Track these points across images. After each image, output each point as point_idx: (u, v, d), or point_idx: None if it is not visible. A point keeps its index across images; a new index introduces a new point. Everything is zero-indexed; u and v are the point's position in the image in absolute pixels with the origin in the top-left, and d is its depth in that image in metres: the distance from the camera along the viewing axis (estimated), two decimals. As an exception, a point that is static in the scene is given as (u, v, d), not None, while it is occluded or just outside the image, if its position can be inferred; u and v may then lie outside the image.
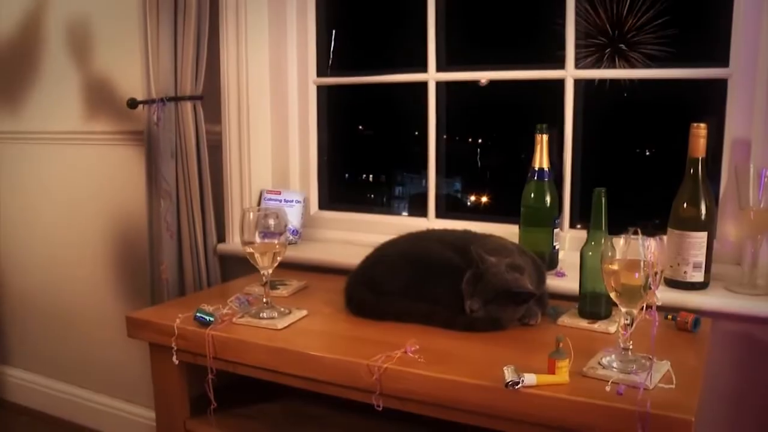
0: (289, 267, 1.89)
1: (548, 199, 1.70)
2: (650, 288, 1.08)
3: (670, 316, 1.42)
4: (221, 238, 2.19)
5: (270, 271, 1.50)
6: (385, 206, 2.35)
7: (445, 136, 2.09)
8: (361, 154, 2.44)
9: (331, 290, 1.70)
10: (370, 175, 2.44)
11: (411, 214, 2.23)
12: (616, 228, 1.69)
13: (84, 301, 2.76)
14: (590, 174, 1.86)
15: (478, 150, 2.19)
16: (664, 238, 1.15)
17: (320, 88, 2.21)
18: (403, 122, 2.24)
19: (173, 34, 2.04)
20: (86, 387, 2.84)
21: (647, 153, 1.92)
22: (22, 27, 2.62)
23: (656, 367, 1.14)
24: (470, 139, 2.19)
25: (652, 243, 1.10)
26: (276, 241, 1.49)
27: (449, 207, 2.12)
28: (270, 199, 2.13)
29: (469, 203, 2.20)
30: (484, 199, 2.18)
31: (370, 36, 2.30)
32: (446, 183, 2.14)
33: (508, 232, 1.77)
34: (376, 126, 2.40)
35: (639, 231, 1.13)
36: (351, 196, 2.36)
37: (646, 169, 1.89)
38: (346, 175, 2.42)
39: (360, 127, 2.43)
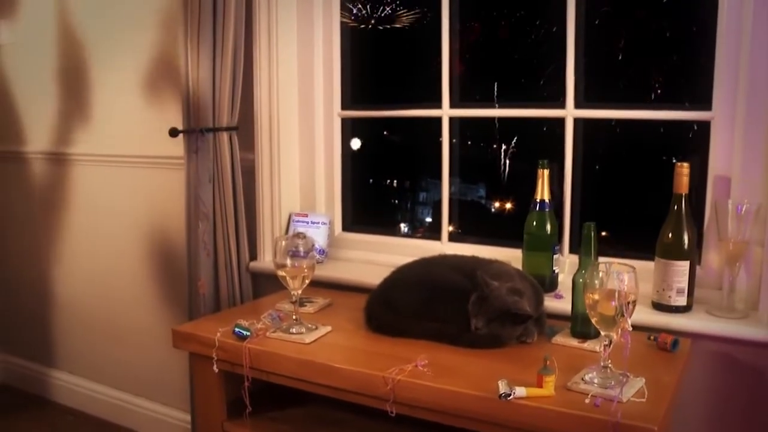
0: (315, 284, 2.02)
1: (548, 227, 1.86)
2: (623, 315, 1.26)
3: (652, 337, 1.59)
4: (253, 256, 2.36)
5: (299, 291, 1.69)
6: (408, 211, 2.49)
7: (469, 142, 2.26)
8: (385, 160, 2.56)
9: (352, 307, 1.86)
10: (395, 181, 2.56)
11: (433, 218, 2.40)
12: (611, 252, 1.88)
13: (125, 311, 2.89)
14: (589, 204, 2.03)
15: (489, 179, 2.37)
16: (637, 269, 1.32)
17: (345, 97, 2.38)
18: (425, 130, 2.34)
19: (212, 72, 2.20)
20: (126, 390, 2.97)
21: (643, 184, 2.08)
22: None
23: (632, 383, 1.32)
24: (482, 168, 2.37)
25: (625, 276, 1.28)
26: (304, 265, 1.68)
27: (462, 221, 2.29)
28: (298, 221, 2.33)
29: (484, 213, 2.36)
30: (497, 207, 2.33)
31: (391, 72, 2.48)
32: (466, 188, 2.31)
33: (513, 256, 1.95)
34: (400, 132, 2.53)
35: (615, 264, 1.32)
36: (375, 202, 2.51)
37: (639, 200, 2.05)
38: (371, 180, 2.55)
39: (384, 132, 2.55)
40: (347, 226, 2.44)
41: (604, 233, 2.01)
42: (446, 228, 2.22)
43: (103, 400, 3.06)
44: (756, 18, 1.63)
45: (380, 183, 2.59)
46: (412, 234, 2.46)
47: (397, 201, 2.55)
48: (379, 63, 2.48)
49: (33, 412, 3.17)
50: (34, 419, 3.09)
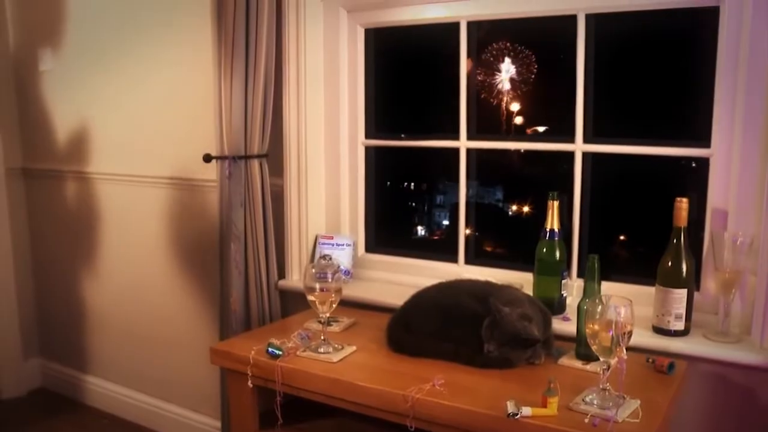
0: (340, 303, 2.05)
1: (557, 254, 1.99)
2: (620, 345, 1.40)
3: (650, 360, 1.73)
4: (282, 275, 2.52)
5: (327, 314, 1.84)
6: (426, 214, 2.62)
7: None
8: (403, 162, 2.65)
9: (375, 327, 2.00)
10: (412, 184, 2.67)
11: (449, 221, 2.53)
12: (616, 278, 2.01)
13: (157, 322, 3.05)
14: (596, 232, 2.16)
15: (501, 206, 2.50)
16: (632, 302, 1.46)
17: (369, 121, 2.53)
18: (442, 131, 2.42)
19: (244, 104, 2.36)
20: (157, 396, 3.13)
21: (647, 215, 2.20)
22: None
23: (628, 405, 1.46)
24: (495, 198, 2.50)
25: (622, 309, 1.42)
26: (332, 288, 1.82)
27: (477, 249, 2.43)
28: (324, 243, 2.48)
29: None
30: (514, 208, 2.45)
31: (412, 103, 2.61)
32: (484, 191, 2.44)
33: (525, 279, 2.09)
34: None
35: (614, 297, 1.45)
36: (393, 206, 2.65)
37: (644, 229, 2.19)
38: (388, 183, 2.64)
39: (402, 134, 2.58)
40: (370, 248, 2.59)
41: (620, 237, 2.15)
42: (463, 251, 2.36)
43: (136, 404, 3.22)
44: (750, 64, 1.77)
45: (398, 186, 2.69)
46: (429, 235, 2.61)
47: (414, 203, 2.66)
48: (400, 89, 2.60)
49: (68, 414, 3.34)
50: (69, 422, 3.26)
